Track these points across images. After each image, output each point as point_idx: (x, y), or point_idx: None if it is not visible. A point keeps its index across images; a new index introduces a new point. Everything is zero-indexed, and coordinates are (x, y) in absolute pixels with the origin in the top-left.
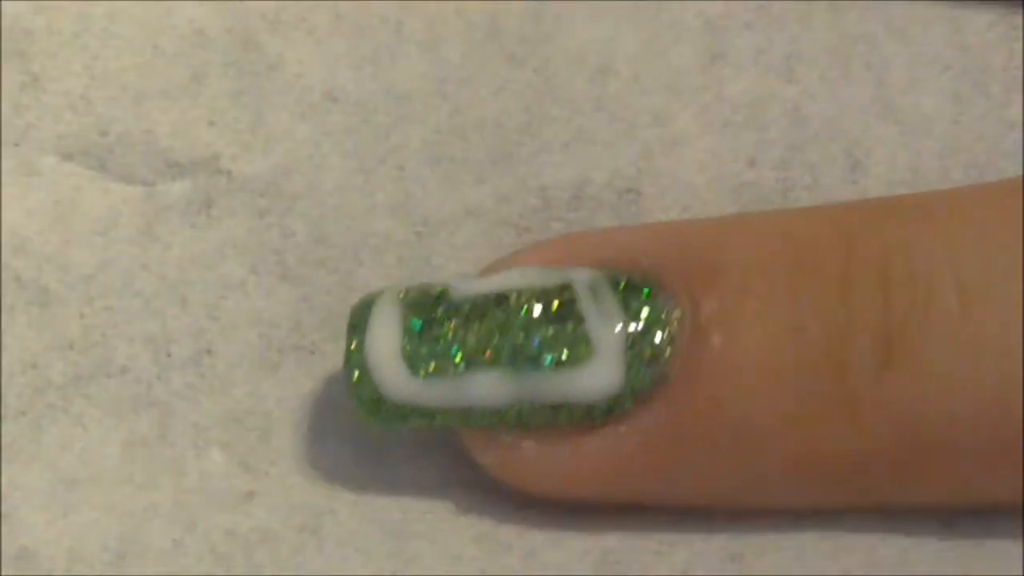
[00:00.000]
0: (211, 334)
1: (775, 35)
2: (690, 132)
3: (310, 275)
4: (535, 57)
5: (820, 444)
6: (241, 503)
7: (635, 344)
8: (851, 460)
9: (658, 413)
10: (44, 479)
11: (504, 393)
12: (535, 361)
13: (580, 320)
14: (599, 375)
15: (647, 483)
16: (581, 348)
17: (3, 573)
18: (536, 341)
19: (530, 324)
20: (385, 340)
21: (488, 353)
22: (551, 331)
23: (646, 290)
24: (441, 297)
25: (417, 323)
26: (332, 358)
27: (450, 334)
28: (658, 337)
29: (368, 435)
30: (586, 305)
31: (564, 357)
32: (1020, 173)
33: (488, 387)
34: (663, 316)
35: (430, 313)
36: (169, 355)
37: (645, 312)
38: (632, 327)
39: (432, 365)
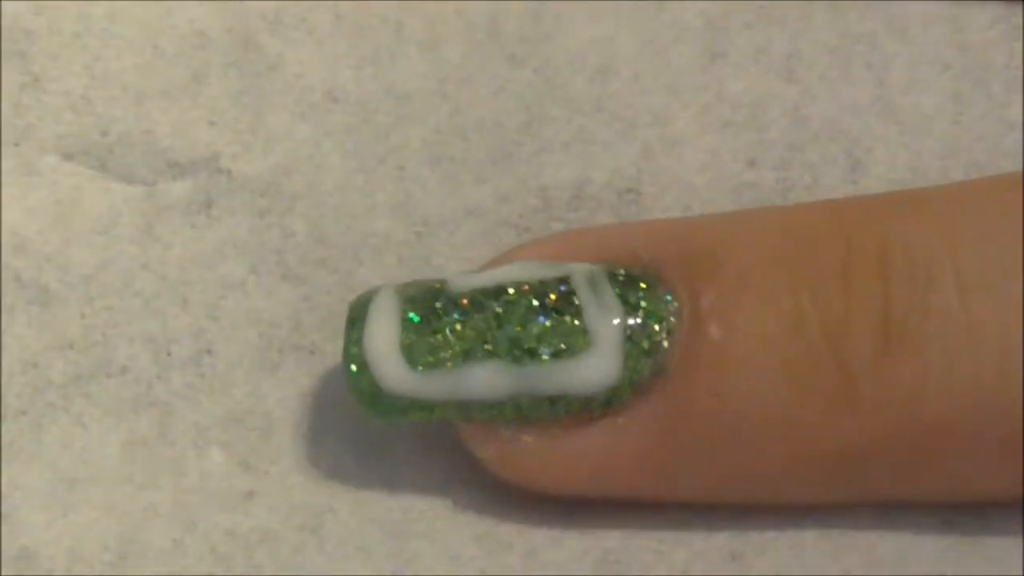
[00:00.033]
0: (211, 334)
1: (775, 35)
2: (690, 132)
3: (310, 275)
4: (535, 57)
5: (819, 435)
6: (241, 503)
7: (633, 336)
8: (850, 451)
9: (657, 405)
10: (44, 479)
11: (503, 386)
12: (533, 353)
13: (578, 312)
14: (597, 367)
15: (646, 476)
16: (579, 340)
17: (3, 573)
18: (534, 333)
19: (528, 316)
20: (384, 333)
21: (486, 346)
22: (549, 323)
23: (644, 283)
24: (440, 291)
25: (415, 316)
26: (332, 358)
27: (448, 327)
28: (656, 329)
29: (368, 434)
30: (584, 297)
31: (562, 349)
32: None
33: (486, 380)
34: (661, 308)
35: (429, 306)
36: (169, 355)
37: (643, 305)
38: (630, 319)
39: (430, 358)
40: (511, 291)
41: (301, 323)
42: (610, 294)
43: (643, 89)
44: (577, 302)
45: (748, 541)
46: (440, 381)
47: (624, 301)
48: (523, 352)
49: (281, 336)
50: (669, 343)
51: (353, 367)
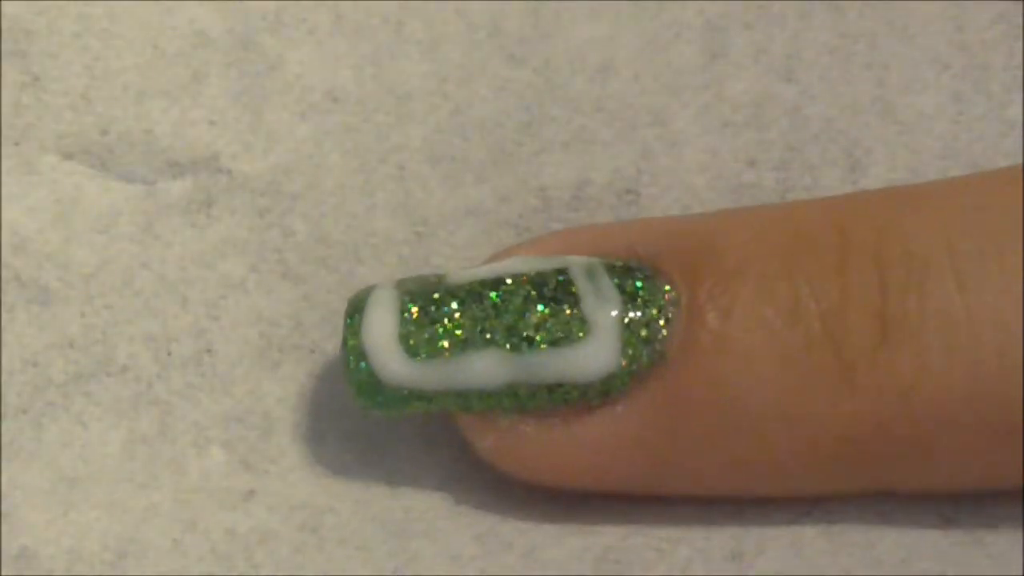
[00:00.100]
0: (212, 333)
1: (775, 35)
2: (690, 132)
3: (310, 274)
4: (535, 57)
5: (817, 424)
6: (241, 502)
7: (631, 325)
8: (848, 440)
9: (655, 394)
10: (44, 478)
11: (501, 375)
12: (531, 341)
13: (576, 302)
14: (595, 355)
15: (644, 465)
16: (577, 329)
17: (3, 573)
18: (532, 322)
19: (526, 306)
20: (382, 325)
21: (485, 335)
22: (547, 311)
23: (642, 272)
24: (438, 283)
25: (413, 307)
26: (333, 357)
27: (447, 318)
28: (655, 317)
29: (369, 433)
30: (582, 287)
31: (560, 337)
32: None
33: (484, 369)
34: (659, 297)
35: (427, 298)
36: (169, 354)
37: (641, 294)
38: (628, 308)
39: (429, 348)
40: (509, 281)
41: (301, 322)
42: (608, 284)
43: (643, 89)
44: (575, 291)
45: (748, 540)
46: (438, 371)
47: (622, 291)
48: (521, 340)
49: (281, 335)
50: (667, 332)
51: (351, 358)
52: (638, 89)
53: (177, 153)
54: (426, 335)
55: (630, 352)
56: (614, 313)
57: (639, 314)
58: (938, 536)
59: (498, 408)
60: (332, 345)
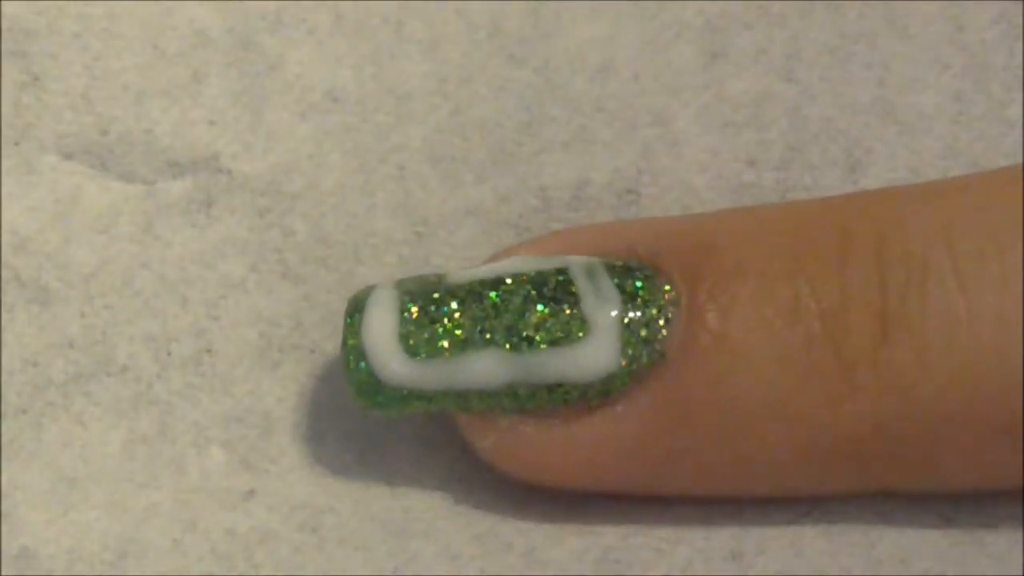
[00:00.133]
0: (211, 333)
1: (775, 35)
2: (690, 132)
3: (310, 274)
4: (535, 57)
5: (818, 423)
6: (241, 501)
7: (631, 325)
8: (849, 439)
9: (655, 394)
10: (44, 478)
11: (500, 375)
12: (531, 341)
13: (576, 301)
14: (595, 355)
15: (644, 465)
16: (577, 328)
17: (3, 573)
18: (532, 322)
19: (526, 305)
20: (382, 324)
21: (484, 335)
22: (547, 311)
23: (642, 272)
24: (438, 283)
25: (413, 307)
26: (333, 357)
27: (446, 317)
28: (654, 317)
29: (369, 433)
30: (582, 287)
31: (560, 337)
32: None
33: (484, 369)
34: (659, 297)
35: (427, 297)
36: (169, 354)
37: (641, 293)
38: (628, 307)
39: (428, 348)
40: (509, 281)
41: (301, 322)
42: (608, 283)
43: (643, 89)
44: (575, 291)
45: (748, 539)
46: (438, 371)
47: (622, 290)
48: (521, 340)
49: (281, 335)
50: (667, 331)
51: (351, 358)
52: (638, 89)
53: (177, 153)
54: (426, 335)
55: (630, 352)
56: (614, 313)
57: (639, 314)
58: (938, 536)
59: (498, 408)
60: (332, 345)
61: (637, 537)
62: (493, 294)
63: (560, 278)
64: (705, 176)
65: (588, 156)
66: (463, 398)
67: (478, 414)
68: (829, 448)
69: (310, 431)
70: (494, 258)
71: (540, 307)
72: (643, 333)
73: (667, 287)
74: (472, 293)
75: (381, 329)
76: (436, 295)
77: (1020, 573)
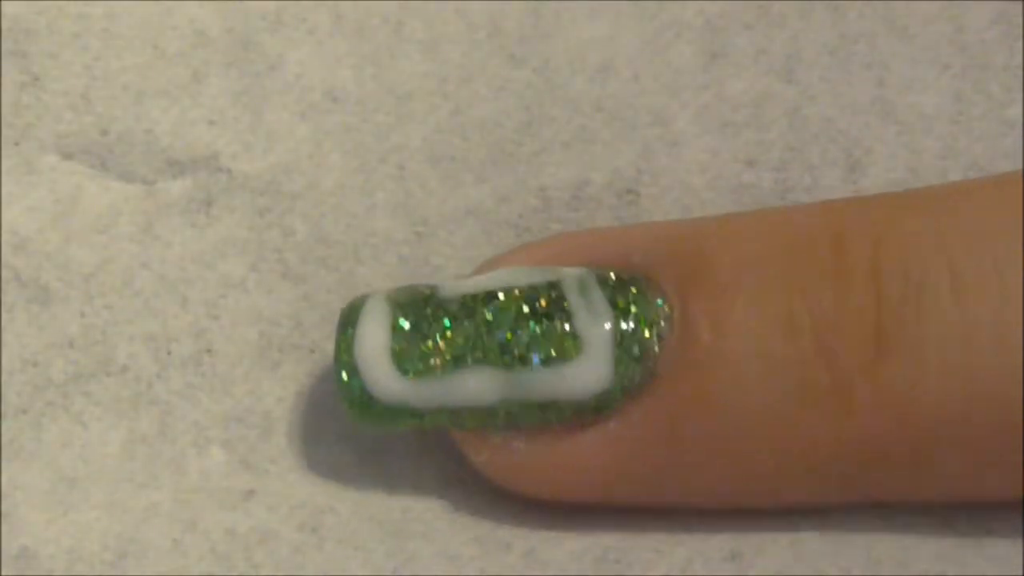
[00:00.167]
0: (211, 333)
1: (775, 35)
2: (690, 132)
3: (310, 274)
4: (535, 57)
5: (813, 438)
6: (241, 501)
7: (624, 341)
8: (845, 454)
9: (648, 410)
10: (44, 478)
11: (493, 392)
12: (523, 359)
13: (569, 317)
14: (588, 372)
15: (639, 481)
16: (569, 345)
17: (3, 573)
18: (524, 339)
19: (518, 322)
20: (374, 340)
21: (476, 352)
22: (539, 329)
23: (635, 287)
24: (430, 297)
25: (405, 323)
26: (332, 357)
27: (439, 333)
28: (647, 333)
29: (368, 434)
30: (574, 302)
31: (552, 354)
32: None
33: (477, 386)
34: (652, 312)
35: (419, 313)
36: (169, 353)
37: (634, 309)
38: (621, 324)
39: (420, 365)
40: (501, 296)
41: (301, 322)
42: (600, 299)
43: (643, 89)
44: (567, 307)
45: (748, 540)
46: (430, 388)
47: (614, 305)
48: (513, 359)
49: (281, 335)
50: (660, 347)
51: (344, 374)
52: (638, 89)
53: (177, 153)
54: (418, 352)
55: (622, 369)
56: (607, 328)
57: (632, 330)
58: (938, 537)
59: (490, 425)
60: (332, 345)
61: (636, 537)
62: (485, 311)
63: (552, 293)
64: (705, 176)
65: (588, 156)
66: (456, 415)
67: (472, 430)
68: (824, 464)
69: (310, 431)
70: (489, 264)
71: (532, 324)
72: (635, 350)
73: (660, 301)
74: (465, 308)
75: (373, 345)
76: (428, 311)
77: (1020, 574)
